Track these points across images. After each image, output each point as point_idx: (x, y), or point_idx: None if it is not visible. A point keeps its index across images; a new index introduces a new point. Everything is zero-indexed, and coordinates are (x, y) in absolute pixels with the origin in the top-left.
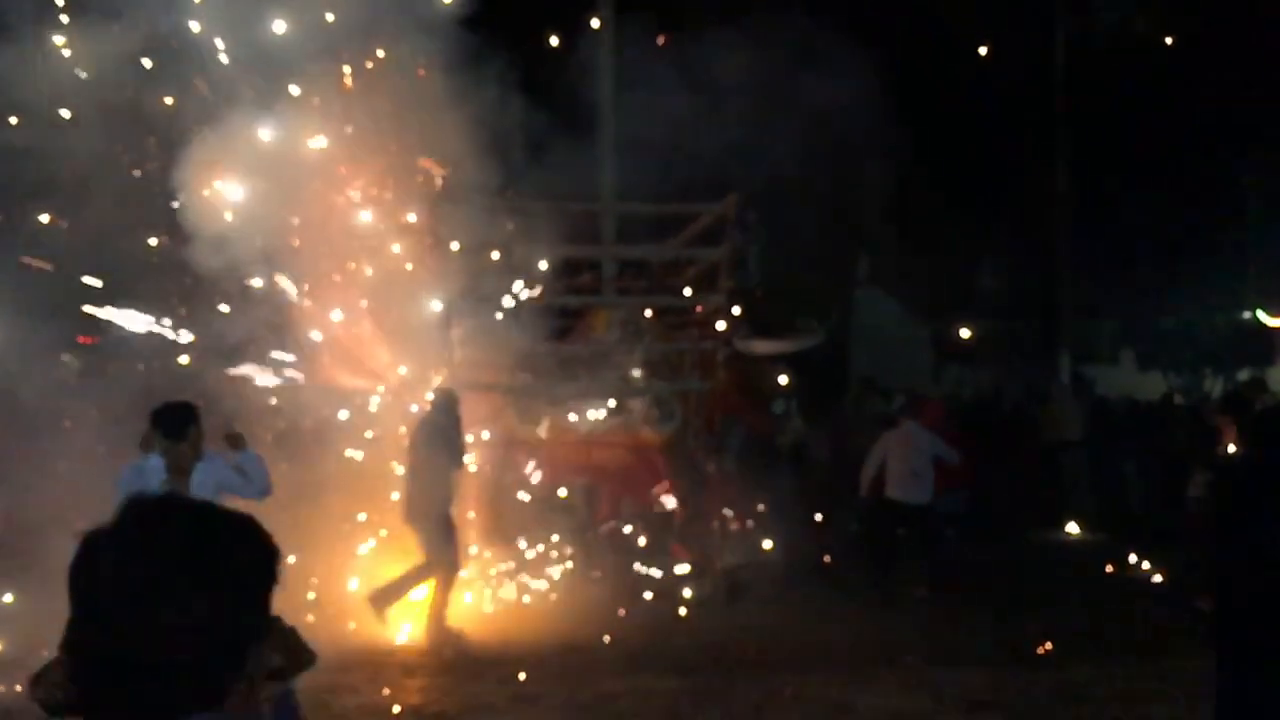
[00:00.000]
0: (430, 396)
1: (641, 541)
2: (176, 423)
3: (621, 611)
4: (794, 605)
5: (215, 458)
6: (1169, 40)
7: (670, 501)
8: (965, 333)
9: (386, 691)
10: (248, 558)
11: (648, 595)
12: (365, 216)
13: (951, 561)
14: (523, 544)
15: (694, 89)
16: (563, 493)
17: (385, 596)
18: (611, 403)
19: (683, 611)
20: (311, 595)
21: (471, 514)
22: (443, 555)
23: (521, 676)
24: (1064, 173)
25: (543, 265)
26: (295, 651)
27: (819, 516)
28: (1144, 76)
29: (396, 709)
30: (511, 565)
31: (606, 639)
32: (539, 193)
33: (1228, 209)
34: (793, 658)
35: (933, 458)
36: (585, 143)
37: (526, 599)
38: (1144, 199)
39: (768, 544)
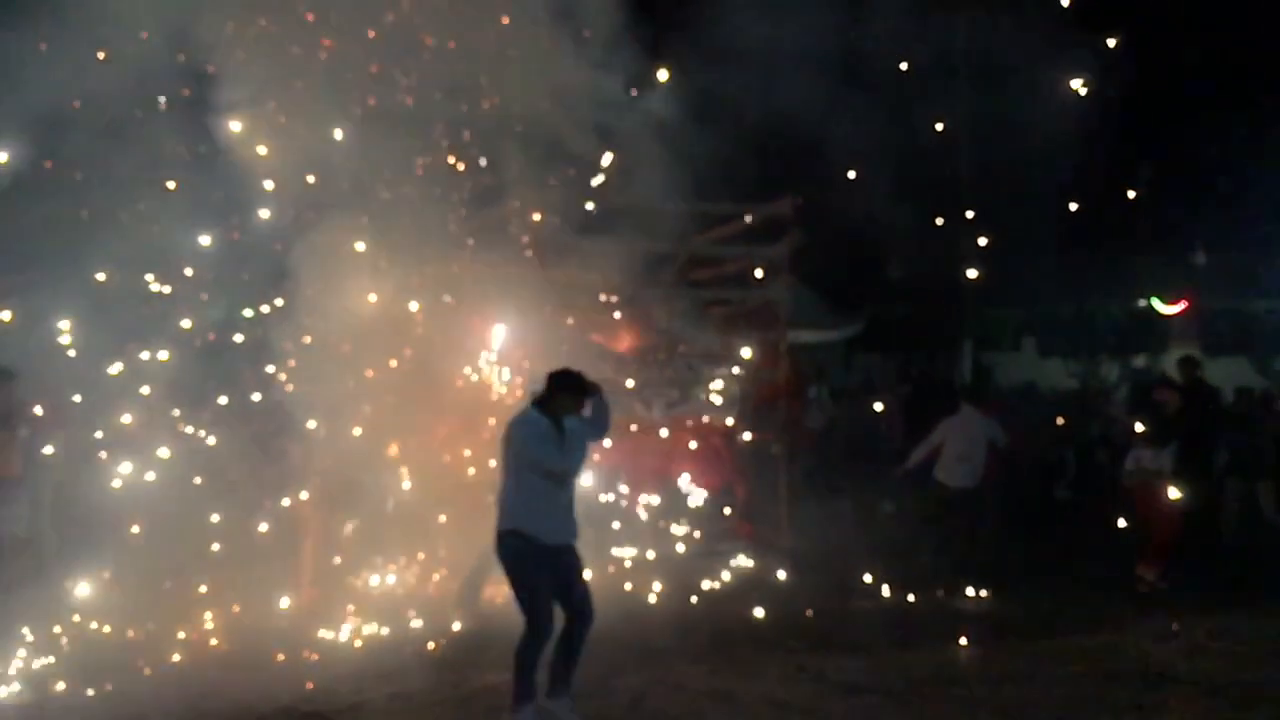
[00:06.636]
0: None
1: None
2: (580, 385)
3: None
4: (684, 595)
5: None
6: None
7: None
8: None
9: (261, 690)
10: None
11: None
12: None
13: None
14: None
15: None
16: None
17: (468, 595)
18: (678, 391)
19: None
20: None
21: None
22: None
23: (400, 671)
24: (967, 162)
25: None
26: None
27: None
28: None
29: (268, 708)
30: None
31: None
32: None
33: (1122, 200)
34: (678, 647)
35: (986, 443)
36: None
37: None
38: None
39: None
